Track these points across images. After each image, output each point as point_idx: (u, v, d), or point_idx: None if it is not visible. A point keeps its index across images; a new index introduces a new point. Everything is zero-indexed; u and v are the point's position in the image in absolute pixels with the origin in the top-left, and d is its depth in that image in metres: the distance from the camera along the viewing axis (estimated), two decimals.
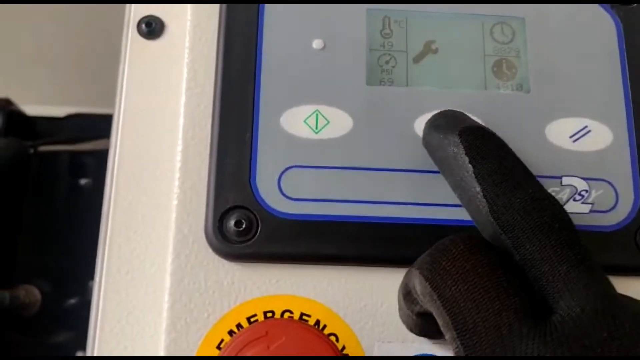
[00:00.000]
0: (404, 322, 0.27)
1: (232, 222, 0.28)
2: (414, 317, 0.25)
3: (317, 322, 0.28)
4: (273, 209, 0.28)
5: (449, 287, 0.22)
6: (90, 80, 0.75)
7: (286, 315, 0.28)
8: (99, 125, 0.58)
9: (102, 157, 0.56)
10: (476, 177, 0.24)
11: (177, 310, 0.28)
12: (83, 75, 0.78)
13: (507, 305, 0.21)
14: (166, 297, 0.28)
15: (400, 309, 0.27)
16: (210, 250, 0.28)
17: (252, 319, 0.27)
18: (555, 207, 0.23)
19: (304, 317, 0.27)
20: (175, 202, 0.29)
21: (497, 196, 0.24)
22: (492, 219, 0.23)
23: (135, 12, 0.33)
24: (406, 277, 0.25)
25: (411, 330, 0.27)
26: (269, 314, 0.28)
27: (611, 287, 0.22)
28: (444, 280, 0.22)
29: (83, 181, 0.56)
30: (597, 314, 0.21)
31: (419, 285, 0.23)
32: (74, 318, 0.52)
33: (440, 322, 0.23)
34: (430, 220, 0.28)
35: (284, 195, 0.28)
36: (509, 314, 0.21)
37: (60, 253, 0.53)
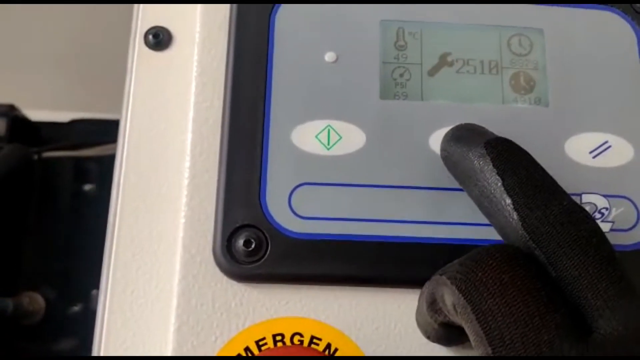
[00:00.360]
0: (422, 328, 0.26)
1: (241, 242, 0.27)
2: (436, 326, 0.24)
3: (328, 346, 0.27)
4: (283, 228, 0.27)
5: (485, 300, 0.21)
6: (95, 85, 0.75)
7: (296, 338, 0.27)
8: (103, 131, 0.58)
9: (106, 162, 0.55)
10: (506, 189, 0.23)
11: (184, 332, 0.27)
12: (87, 80, 0.77)
13: (547, 321, 0.20)
14: (173, 320, 0.27)
15: (419, 315, 0.26)
16: (218, 270, 0.27)
17: (260, 342, 0.27)
18: (591, 221, 0.23)
19: (315, 341, 0.27)
20: (182, 221, 0.28)
21: (530, 209, 0.23)
22: (525, 233, 0.23)
23: (142, 23, 0.32)
24: (432, 285, 0.24)
25: (427, 337, 0.26)
26: (278, 337, 0.27)
27: None
28: (480, 293, 0.21)
29: (87, 187, 0.56)
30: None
31: (450, 295, 0.22)
32: (78, 325, 0.52)
33: (472, 335, 0.22)
34: (446, 240, 0.28)
35: (294, 213, 0.28)
36: (549, 330, 0.20)
37: (65, 259, 0.53)
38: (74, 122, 0.61)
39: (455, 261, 0.23)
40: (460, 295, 0.22)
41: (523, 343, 0.20)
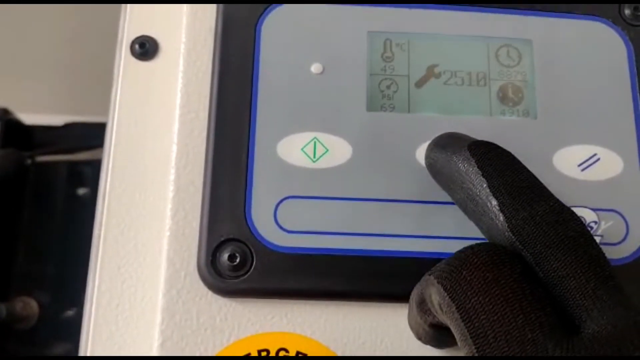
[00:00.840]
0: (413, 330, 0.26)
1: (225, 256, 0.27)
2: (426, 327, 0.24)
3: (297, 355, 0.26)
4: (268, 242, 0.27)
5: (469, 299, 0.21)
6: (88, 89, 0.74)
7: (281, 353, 0.26)
8: (97, 134, 0.57)
9: (100, 166, 0.55)
10: (491, 190, 0.23)
11: (168, 348, 0.26)
12: (81, 83, 0.77)
13: (531, 319, 0.20)
14: (157, 335, 0.27)
15: (410, 316, 0.25)
16: (202, 284, 0.27)
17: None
18: (578, 221, 0.22)
19: (300, 356, 0.26)
20: (167, 234, 0.28)
21: (516, 210, 0.22)
22: (512, 234, 0.22)
23: (129, 32, 0.32)
24: (421, 285, 0.24)
25: (419, 339, 0.26)
26: (264, 353, 0.26)
27: (638, 306, 0.21)
28: (464, 291, 0.21)
29: (81, 191, 0.56)
30: (630, 332, 0.20)
31: (436, 295, 0.22)
32: (72, 330, 0.52)
33: (457, 335, 0.21)
34: (432, 254, 0.27)
35: (280, 227, 0.27)
36: (533, 328, 0.20)
37: (58, 264, 0.53)
38: (68, 126, 0.61)
39: (444, 260, 0.23)
40: (445, 293, 0.21)
41: (507, 341, 0.20)
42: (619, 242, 0.28)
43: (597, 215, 0.28)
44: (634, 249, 0.28)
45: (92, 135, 0.58)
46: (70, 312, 0.52)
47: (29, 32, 0.77)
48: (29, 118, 0.60)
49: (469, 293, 0.21)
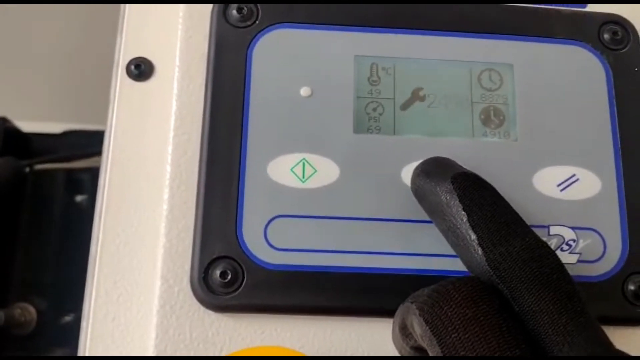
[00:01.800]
0: (397, 348, 0.27)
1: (217, 273, 0.28)
2: (409, 349, 0.25)
3: None
4: (259, 260, 0.28)
5: (450, 334, 0.22)
6: (87, 97, 0.75)
7: None
8: (95, 142, 0.58)
9: (98, 173, 0.56)
10: (471, 225, 0.24)
11: None
12: (80, 91, 0.78)
13: (507, 356, 0.21)
14: (151, 350, 0.28)
15: (394, 336, 0.26)
16: (195, 300, 0.28)
17: None
18: (552, 257, 0.23)
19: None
20: (161, 251, 0.29)
21: (494, 245, 0.24)
22: (489, 268, 0.23)
23: (125, 54, 0.33)
24: (403, 311, 0.25)
25: (403, 356, 0.27)
26: None
27: (610, 341, 0.22)
28: (445, 327, 0.22)
29: (79, 198, 0.56)
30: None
31: (417, 326, 0.23)
32: (70, 335, 0.52)
33: None
34: (418, 271, 0.28)
35: (270, 245, 0.28)
36: None
37: (56, 270, 0.53)
38: (66, 134, 0.62)
39: (425, 290, 0.24)
40: (427, 327, 0.23)
41: None
42: (597, 260, 0.29)
43: (576, 233, 0.29)
44: (611, 266, 0.29)
45: (90, 143, 0.59)
46: (68, 318, 0.53)
47: (28, 40, 0.78)
48: (27, 126, 0.61)
49: (449, 329, 0.22)
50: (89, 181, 0.57)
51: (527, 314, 0.22)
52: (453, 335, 0.22)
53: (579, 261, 0.29)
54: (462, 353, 0.22)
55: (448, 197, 0.25)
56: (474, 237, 0.24)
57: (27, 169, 0.57)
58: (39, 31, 0.78)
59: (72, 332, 0.52)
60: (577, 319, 0.22)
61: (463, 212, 0.24)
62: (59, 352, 0.53)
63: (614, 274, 0.29)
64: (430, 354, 0.23)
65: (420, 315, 0.23)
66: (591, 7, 0.33)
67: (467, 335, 0.22)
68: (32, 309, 0.53)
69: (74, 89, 0.79)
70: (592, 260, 0.29)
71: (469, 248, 0.24)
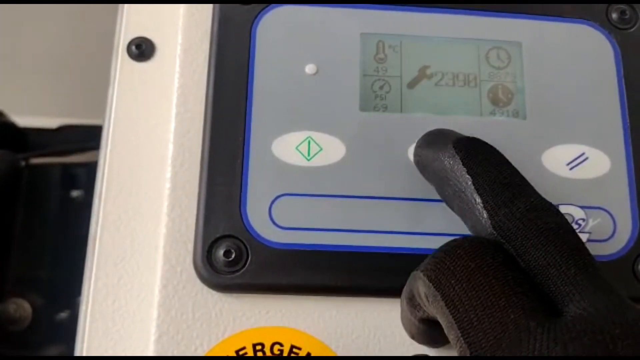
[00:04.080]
0: (406, 328, 0.26)
1: (221, 252, 0.27)
2: (417, 322, 0.25)
3: (308, 355, 0.27)
4: (263, 238, 0.28)
5: (453, 287, 0.22)
6: (83, 91, 0.75)
7: (276, 347, 0.27)
8: (91, 137, 0.58)
9: (94, 168, 0.55)
10: (476, 188, 0.24)
11: (164, 342, 0.27)
12: (76, 85, 0.77)
13: (513, 302, 0.21)
14: (153, 330, 0.27)
15: (402, 314, 0.26)
16: (198, 280, 0.28)
17: (240, 352, 0.27)
18: (557, 214, 0.23)
19: (295, 350, 0.27)
20: (163, 231, 0.28)
21: (498, 207, 0.23)
22: (494, 230, 0.23)
23: (125, 34, 0.32)
24: (409, 281, 0.24)
25: (412, 337, 0.26)
26: (258, 347, 0.27)
27: (619, 291, 0.22)
28: (448, 280, 0.22)
29: (75, 193, 0.56)
30: (610, 312, 0.20)
31: (422, 287, 0.23)
32: (65, 332, 0.52)
33: (443, 323, 0.22)
34: (425, 250, 0.28)
35: (274, 224, 0.28)
36: (515, 310, 0.21)
37: (52, 266, 0.53)
38: (62, 128, 0.61)
39: (430, 254, 0.23)
40: (430, 284, 0.22)
41: (490, 322, 0.21)
42: (607, 239, 0.29)
43: (585, 212, 0.29)
44: (622, 245, 0.29)
45: (86, 137, 0.58)
46: (63, 314, 0.52)
47: (23, 34, 0.77)
48: (23, 120, 0.61)
49: (452, 281, 0.22)
50: (84, 176, 0.56)
51: (535, 269, 0.22)
52: (457, 287, 0.21)
53: (588, 240, 0.29)
54: (466, 303, 0.21)
55: (451, 162, 0.25)
56: (479, 200, 0.24)
57: (23, 163, 0.56)
58: (35, 26, 0.78)
59: (68, 328, 0.51)
60: (586, 269, 0.22)
61: (467, 176, 0.24)
62: (54, 348, 0.52)
63: (624, 253, 0.29)
64: (437, 315, 0.22)
65: (424, 275, 0.22)
66: None
67: (470, 285, 0.21)
68: (27, 305, 0.52)
69: (70, 84, 0.78)
70: (602, 239, 0.29)
71: (474, 212, 0.24)
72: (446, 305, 0.22)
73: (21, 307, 0.52)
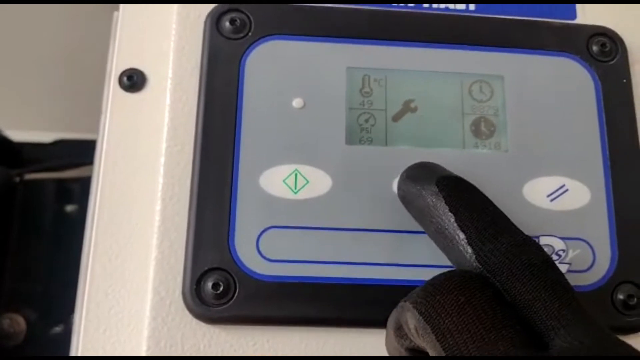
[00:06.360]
0: (391, 355, 0.27)
1: (209, 285, 0.28)
2: (403, 351, 0.25)
3: None
4: (251, 271, 0.28)
5: (443, 320, 0.22)
6: (77, 106, 0.75)
7: None
8: (86, 151, 0.58)
9: (88, 183, 0.56)
10: (459, 225, 0.25)
11: None
12: (70, 100, 0.78)
13: (502, 335, 0.21)
14: None
15: (388, 341, 0.26)
16: (187, 312, 0.28)
17: None
18: (540, 250, 0.24)
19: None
20: (152, 263, 0.29)
21: (483, 242, 0.24)
22: (479, 265, 0.24)
23: (117, 65, 0.33)
24: (397, 311, 0.25)
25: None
26: None
27: (603, 325, 0.23)
28: (438, 314, 0.22)
29: (69, 208, 0.56)
30: (596, 346, 0.21)
31: (411, 319, 0.23)
32: (59, 347, 0.52)
33: (433, 354, 0.23)
34: (409, 282, 0.29)
35: (262, 256, 0.28)
36: (504, 342, 0.21)
37: (46, 280, 0.53)
38: (56, 143, 0.61)
39: (418, 287, 0.24)
40: (421, 317, 0.23)
41: (480, 355, 0.21)
42: (586, 269, 0.30)
43: (566, 243, 0.30)
44: (601, 275, 0.30)
45: (80, 152, 0.59)
46: (57, 329, 0.53)
47: (18, 48, 0.78)
48: (17, 135, 0.61)
49: (443, 315, 0.22)
50: (79, 191, 0.57)
51: (521, 303, 0.23)
52: (447, 320, 0.22)
53: (568, 271, 0.29)
54: (456, 336, 0.22)
55: (434, 200, 0.26)
56: (462, 236, 0.24)
57: (17, 179, 0.56)
58: (30, 40, 0.78)
59: (62, 343, 0.52)
60: (569, 304, 0.22)
61: (450, 213, 0.25)
62: None
63: (603, 284, 0.29)
64: (427, 347, 0.23)
65: (414, 307, 0.23)
66: (580, 18, 0.34)
67: (461, 319, 0.22)
68: (21, 320, 0.52)
69: (65, 98, 0.79)
70: (582, 270, 0.29)
71: (458, 247, 0.25)
72: (437, 338, 0.22)
73: (15, 322, 0.52)
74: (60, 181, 0.57)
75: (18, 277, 0.53)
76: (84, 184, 0.56)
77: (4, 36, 0.77)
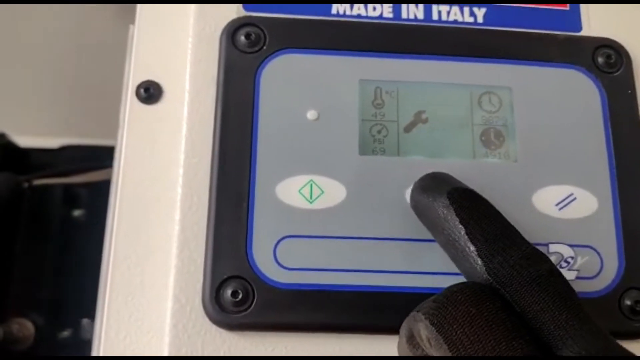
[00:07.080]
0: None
1: (228, 292, 0.29)
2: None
3: None
4: (269, 279, 0.29)
5: (455, 331, 0.23)
6: (85, 111, 0.76)
7: None
8: (93, 157, 0.59)
9: (96, 188, 0.56)
10: (469, 237, 0.25)
11: None
12: (78, 106, 0.78)
13: (513, 346, 0.22)
14: None
15: (400, 348, 0.27)
16: (207, 319, 0.29)
17: None
18: (549, 263, 0.25)
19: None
20: (173, 271, 0.30)
21: (492, 255, 0.25)
22: (489, 276, 0.25)
23: (134, 77, 0.34)
24: (409, 322, 0.26)
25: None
26: None
27: (609, 334, 0.24)
28: (450, 325, 0.23)
29: (77, 213, 0.57)
30: (602, 356, 0.22)
31: (424, 329, 0.24)
32: (68, 351, 0.53)
33: None
34: (423, 289, 0.29)
35: (279, 265, 0.29)
36: (515, 354, 0.22)
37: (54, 285, 0.54)
38: (63, 148, 0.62)
39: (430, 298, 0.25)
40: (433, 328, 0.24)
41: None
42: (594, 276, 0.30)
43: (574, 251, 0.30)
44: (608, 282, 0.30)
45: (88, 157, 0.59)
46: (66, 333, 0.53)
47: (26, 54, 0.78)
48: (24, 141, 0.62)
49: (454, 326, 0.23)
50: (86, 196, 0.57)
51: (529, 314, 0.24)
52: (459, 332, 0.23)
53: (577, 278, 0.30)
54: (468, 347, 0.23)
55: (445, 212, 0.26)
56: (472, 248, 0.25)
57: (25, 184, 0.57)
58: (37, 46, 0.79)
59: (70, 347, 0.52)
60: (577, 314, 0.23)
61: (460, 226, 0.26)
62: None
63: (610, 290, 0.30)
64: (439, 357, 0.24)
65: (426, 318, 0.24)
66: (586, 30, 0.35)
67: (472, 329, 0.23)
68: (30, 325, 0.53)
69: (72, 104, 0.79)
70: (590, 276, 0.30)
71: (468, 259, 0.25)
72: (449, 349, 0.23)
73: (24, 327, 0.52)
74: (68, 186, 0.57)
75: (26, 282, 0.53)
76: (92, 189, 0.56)
77: (11, 42, 0.77)
